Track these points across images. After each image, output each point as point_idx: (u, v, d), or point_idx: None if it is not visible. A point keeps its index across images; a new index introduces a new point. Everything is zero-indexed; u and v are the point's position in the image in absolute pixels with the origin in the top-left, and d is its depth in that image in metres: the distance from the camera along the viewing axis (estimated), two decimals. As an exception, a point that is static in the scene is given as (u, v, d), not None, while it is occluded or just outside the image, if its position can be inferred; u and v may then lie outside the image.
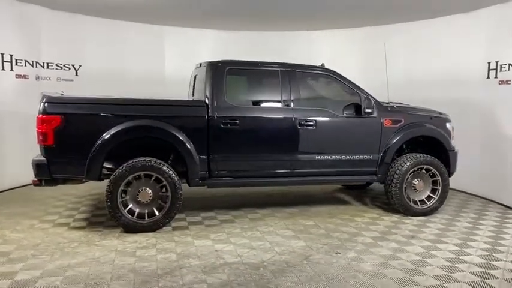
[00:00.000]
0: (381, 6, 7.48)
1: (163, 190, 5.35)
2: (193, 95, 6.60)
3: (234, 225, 5.68)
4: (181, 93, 7.06)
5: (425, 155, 6.27)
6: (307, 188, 7.84)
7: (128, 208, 5.25)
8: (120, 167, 5.18)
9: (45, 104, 5.03)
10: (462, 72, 7.53)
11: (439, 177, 6.29)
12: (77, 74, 8.49)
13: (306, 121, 5.84)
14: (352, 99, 6.08)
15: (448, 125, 6.54)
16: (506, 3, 6.71)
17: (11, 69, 7.47)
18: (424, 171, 6.29)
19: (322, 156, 5.96)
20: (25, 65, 7.70)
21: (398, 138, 6.20)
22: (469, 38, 7.48)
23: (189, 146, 5.40)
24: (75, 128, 5.13)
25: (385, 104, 6.34)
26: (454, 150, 6.48)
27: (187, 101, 6.05)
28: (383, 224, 5.87)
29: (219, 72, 5.66)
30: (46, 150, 5.09)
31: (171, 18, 8.78)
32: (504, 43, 6.79)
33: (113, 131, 5.13)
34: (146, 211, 5.31)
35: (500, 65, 6.79)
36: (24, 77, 7.67)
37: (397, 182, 6.13)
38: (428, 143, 6.55)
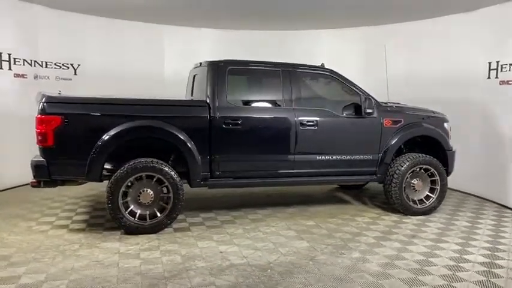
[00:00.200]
0: (381, 5, 7.48)
1: (165, 191, 5.29)
2: (192, 94, 6.55)
3: (236, 226, 5.65)
4: (181, 92, 7.01)
5: (424, 155, 6.32)
6: (305, 188, 7.84)
7: (129, 210, 5.18)
8: (122, 168, 5.10)
9: (45, 104, 4.93)
10: (463, 73, 7.52)
11: (438, 177, 6.35)
12: (75, 73, 8.40)
13: (308, 121, 5.83)
14: (352, 99, 6.09)
15: (445, 124, 6.60)
16: (507, 2, 6.71)
17: (9, 68, 7.39)
18: (422, 171, 6.33)
19: (323, 157, 5.96)
20: (23, 64, 7.62)
21: (398, 138, 6.24)
22: (469, 38, 7.47)
23: (191, 147, 5.35)
24: (76, 128, 5.03)
25: (383, 104, 6.36)
26: (451, 150, 6.54)
27: (189, 101, 5.99)
28: (383, 224, 5.89)
29: (221, 71, 5.62)
30: (45, 151, 4.99)
31: (170, 17, 8.72)
32: (505, 43, 6.78)
33: (114, 131, 5.05)
34: (147, 212, 5.24)
35: (501, 65, 6.79)
36: (23, 76, 7.59)
37: (396, 182, 6.16)
38: (426, 143, 6.59)
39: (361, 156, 6.14)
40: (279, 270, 4.23)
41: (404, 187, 6.23)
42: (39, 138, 4.95)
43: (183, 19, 8.88)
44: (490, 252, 4.85)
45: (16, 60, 7.47)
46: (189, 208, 6.33)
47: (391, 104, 6.54)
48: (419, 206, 6.32)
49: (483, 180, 7.34)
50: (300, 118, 5.80)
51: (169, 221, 5.33)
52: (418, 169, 6.29)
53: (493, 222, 6.07)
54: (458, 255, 4.76)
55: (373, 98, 6.09)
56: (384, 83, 6.86)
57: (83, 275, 4.02)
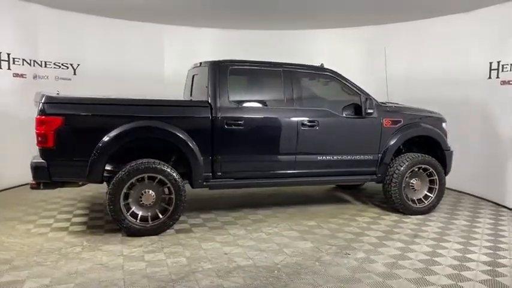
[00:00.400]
0: (381, 5, 7.48)
1: (167, 192, 5.24)
2: (191, 94, 6.50)
3: (237, 227, 5.62)
4: (181, 92, 6.95)
5: (423, 155, 6.36)
6: (303, 188, 7.83)
7: (131, 211, 5.12)
8: (123, 169, 5.03)
9: (44, 105, 4.83)
10: (463, 72, 7.52)
11: (436, 177, 6.40)
12: (75, 73, 8.32)
13: (309, 121, 5.83)
14: (353, 99, 6.11)
15: (443, 124, 6.66)
16: (508, 2, 6.71)
17: (8, 68, 7.32)
18: (421, 170, 6.38)
19: (324, 157, 5.97)
20: (22, 64, 7.55)
21: (397, 138, 6.28)
22: (470, 38, 7.46)
23: (193, 147, 5.31)
24: (77, 129, 4.95)
25: (383, 105, 6.39)
26: (449, 150, 6.60)
27: (190, 101, 5.93)
28: (384, 224, 5.92)
29: (222, 71, 5.58)
30: (45, 152, 4.90)
31: (170, 16, 8.66)
32: (506, 43, 6.78)
33: (117, 132, 4.98)
34: (149, 214, 5.18)
35: (502, 65, 6.79)
36: (22, 76, 7.51)
37: (396, 182, 6.20)
38: (424, 143, 6.64)
39: (362, 157, 6.16)
40: (286, 271, 4.21)
41: (404, 187, 6.26)
42: (39, 139, 4.86)
43: (183, 19, 8.82)
44: (492, 251, 4.90)
45: (15, 59, 7.40)
46: (189, 209, 6.27)
47: (390, 104, 6.57)
48: (418, 206, 6.37)
49: (480, 179, 7.41)
50: (302, 118, 5.80)
51: (171, 223, 5.28)
52: (417, 169, 6.34)
53: (491, 221, 6.13)
54: (461, 254, 4.80)
55: (373, 98, 6.11)
56: (384, 83, 6.88)
57: (88, 279, 3.95)
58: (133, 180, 5.06)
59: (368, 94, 6.13)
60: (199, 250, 4.75)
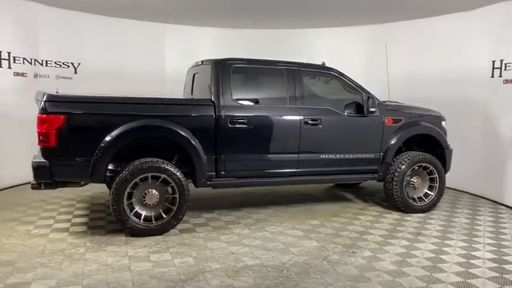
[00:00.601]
0: (382, 4, 7.46)
1: (170, 192, 5.18)
2: (191, 93, 6.44)
3: (241, 226, 5.59)
4: (182, 91, 6.88)
5: (423, 153, 6.39)
6: (302, 187, 7.80)
7: (134, 211, 5.05)
8: (127, 169, 4.96)
9: (46, 103, 4.74)
10: (466, 71, 7.51)
11: (437, 175, 6.44)
12: (76, 72, 8.26)
13: (312, 120, 5.81)
14: (355, 98, 6.11)
15: (443, 123, 6.69)
16: (510, 0, 6.69)
17: (9, 67, 7.25)
18: (422, 169, 6.41)
19: (327, 155, 5.95)
20: (23, 63, 7.49)
21: (399, 136, 6.30)
22: (473, 36, 7.43)
23: (197, 146, 5.25)
24: (79, 128, 4.87)
25: (384, 103, 6.41)
26: (449, 148, 6.64)
27: (194, 99, 5.87)
28: (387, 222, 5.93)
29: (226, 70, 5.53)
30: (47, 151, 4.80)
31: (171, 15, 8.62)
32: (509, 41, 6.75)
33: (120, 130, 4.90)
34: (153, 214, 5.12)
35: (505, 64, 6.78)
36: (23, 74, 7.44)
37: (397, 180, 6.22)
38: (424, 141, 6.67)
39: (364, 155, 6.17)
40: (295, 271, 4.19)
41: (405, 185, 6.28)
42: (41, 138, 4.76)
43: (183, 17, 8.77)
44: (496, 249, 4.94)
45: (16, 58, 7.35)
46: (190, 208, 6.13)
47: (390, 103, 6.59)
48: (419, 204, 6.39)
49: (480, 178, 7.44)
50: (305, 117, 5.78)
51: (175, 222, 5.22)
52: (417, 167, 6.36)
53: (491, 219, 6.19)
54: (466, 252, 4.83)
55: (374, 96, 6.12)
56: (385, 81, 6.89)
57: (96, 280, 3.89)
58: (137, 179, 5.00)
59: (370, 93, 6.13)
60: (205, 250, 4.70)
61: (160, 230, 5.12)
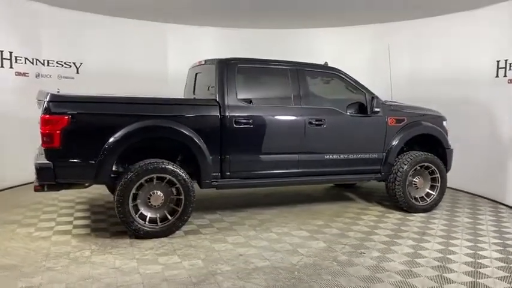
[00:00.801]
0: (384, 3, 7.44)
1: (175, 193, 5.11)
2: (193, 93, 6.38)
3: (246, 227, 5.54)
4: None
5: (425, 153, 6.42)
6: (302, 187, 7.78)
7: (139, 213, 4.98)
8: (132, 170, 4.89)
9: (49, 103, 4.63)
10: (470, 71, 7.49)
11: (438, 175, 6.47)
12: (78, 72, 8.20)
13: (317, 120, 5.79)
14: (358, 98, 6.10)
15: (444, 123, 6.73)
16: None
17: (11, 67, 7.17)
18: (423, 168, 6.43)
19: (331, 156, 5.94)
20: (25, 63, 7.43)
21: (401, 136, 6.31)
22: (477, 36, 7.40)
23: (202, 147, 5.20)
24: (84, 128, 4.76)
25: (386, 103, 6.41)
26: (450, 148, 6.68)
27: (199, 100, 5.79)
28: (390, 222, 5.94)
29: (230, 69, 5.48)
30: (51, 152, 4.69)
31: (173, 15, 8.56)
32: None
33: (126, 131, 4.82)
34: (158, 215, 5.06)
35: (510, 64, 6.75)
36: (24, 74, 7.37)
37: (400, 180, 6.23)
38: (426, 141, 6.69)
39: (367, 155, 6.17)
40: (306, 272, 4.16)
41: (407, 185, 6.30)
42: (45, 139, 4.65)
43: (186, 17, 8.72)
44: (501, 248, 4.97)
45: (18, 58, 7.29)
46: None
47: (391, 103, 6.60)
48: (421, 204, 6.42)
49: (479, 178, 7.49)
50: (309, 117, 5.75)
51: (180, 224, 5.15)
52: (419, 167, 6.38)
53: (493, 218, 6.24)
54: (472, 251, 4.85)
55: (377, 96, 6.12)
56: (387, 81, 6.89)
57: (105, 284, 3.81)
58: (142, 180, 4.92)
59: (373, 93, 6.14)
60: (213, 252, 4.65)
61: (166, 232, 5.06)
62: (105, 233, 5.20)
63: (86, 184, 5.12)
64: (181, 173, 5.06)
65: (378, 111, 6.06)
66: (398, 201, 6.33)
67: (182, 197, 5.09)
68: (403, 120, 6.34)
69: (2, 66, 7.07)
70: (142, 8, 7.90)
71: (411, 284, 3.96)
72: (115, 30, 8.62)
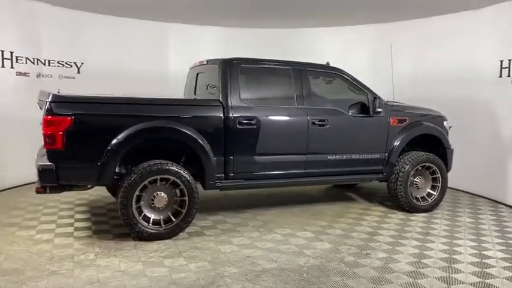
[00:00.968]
0: (387, 3, 7.42)
1: (179, 194, 5.06)
2: (194, 93, 6.33)
3: (250, 229, 5.51)
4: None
5: (426, 153, 6.43)
6: (303, 187, 7.75)
7: (143, 215, 4.92)
8: (135, 171, 4.83)
9: (52, 104, 4.56)
10: (473, 71, 7.46)
11: (439, 175, 6.49)
12: (79, 72, 8.14)
13: (320, 120, 5.77)
14: (360, 98, 6.10)
15: (445, 123, 6.75)
16: None
17: (12, 67, 7.10)
18: (424, 168, 6.45)
19: (334, 156, 5.93)
20: (26, 62, 7.37)
21: (403, 136, 6.31)
22: (480, 36, 7.33)
23: (206, 148, 5.15)
24: (87, 129, 4.70)
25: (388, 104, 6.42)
26: (450, 148, 6.70)
27: (203, 100, 5.74)
28: (393, 222, 5.94)
29: (234, 70, 5.44)
30: (53, 154, 4.62)
31: (174, 15, 8.50)
32: None
33: (129, 132, 4.76)
34: (161, 217, 5.00)
35: None
36: (25, 74, 7.31)
37: (402, 180, 6.24)
38: (426, 141, 6.71)
39: (369, 155, 6.17)
40: (314, 274, 4.14)
41: (409, 185, 6.31)
42: (47, 140, 4.57)
43: (186, 17, 8.67)
44: (505, 248, 4.99)
45: (18, 58, 7.23)
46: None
47: (392, 103, 6.60)
48: (422, 204, 6.43)
49: (479, 178, 7.52)
50: (312, 117, 5.73)
51: (184, 225, 5.11)
52: (420, 167, 6.40)
53: (494, 218, 6.27)
54: (477, 251, 4.86)
55: (380, 97, 6.12)
56: (389, 81, 6.90)
57: (112, 287, 3.75)
58: (145, 182, 4.86)
59: (375, 93, 6.13)
60: (219, 254, 4.61)
61: (170, 234, 5.00)
62: (108, 235, 5.13)
63: (88, 186, 5.06)
64: (185, 174, 5.01)
65: (380, 112, 6.05)
66: (400, 201, 6.34)
67: (186, 198, 5.04)
68: (405, 120, 6.34)
69: (3, 66, 7.00)
70: (143, 8, 7.86)
71: (420, 285, 3.95)
72: (116, 29, 8.57)
